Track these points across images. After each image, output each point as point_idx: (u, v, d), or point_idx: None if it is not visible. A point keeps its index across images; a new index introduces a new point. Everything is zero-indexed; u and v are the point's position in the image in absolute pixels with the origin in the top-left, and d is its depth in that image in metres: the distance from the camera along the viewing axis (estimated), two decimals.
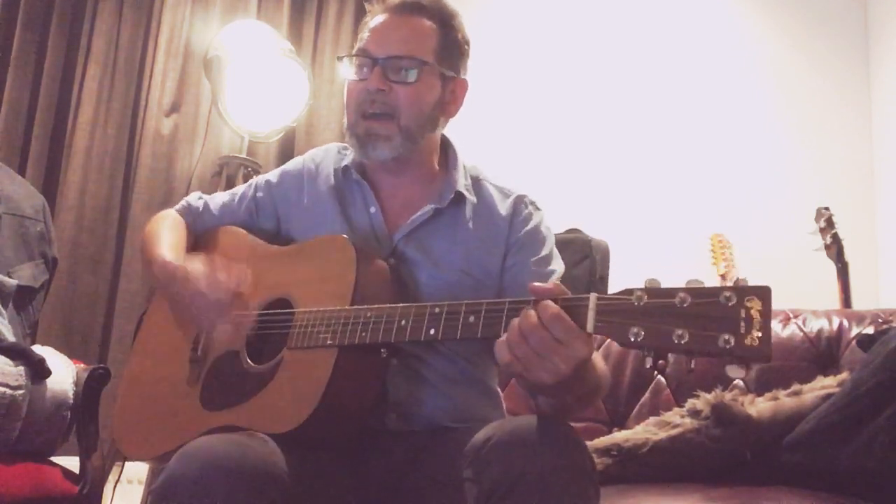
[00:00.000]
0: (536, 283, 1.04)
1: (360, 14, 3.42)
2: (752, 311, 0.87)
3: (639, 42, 3.44)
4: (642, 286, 0.95)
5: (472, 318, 1.09)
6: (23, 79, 3.09)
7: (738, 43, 3.42)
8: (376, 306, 1.20)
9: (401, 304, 1.19)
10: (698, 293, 0.91)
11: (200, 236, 1.55)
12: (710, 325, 0.89)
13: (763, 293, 0.88)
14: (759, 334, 0.86)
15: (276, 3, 3.38)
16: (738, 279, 0.91)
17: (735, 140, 3.32)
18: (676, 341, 0.90)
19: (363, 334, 1.18)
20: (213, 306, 1.29)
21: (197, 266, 1.33)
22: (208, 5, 3.33)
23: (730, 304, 0.89)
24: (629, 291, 0.95)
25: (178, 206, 1.60)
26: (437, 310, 1.13)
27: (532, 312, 1.00)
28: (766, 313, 0.87)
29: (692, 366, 0.94)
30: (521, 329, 1.00)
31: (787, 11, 3.42)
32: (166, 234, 1.48)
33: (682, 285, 0.93)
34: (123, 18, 3.25)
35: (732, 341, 0.87)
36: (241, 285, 1.32)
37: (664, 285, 0.96)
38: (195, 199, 1.60)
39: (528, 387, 1.08)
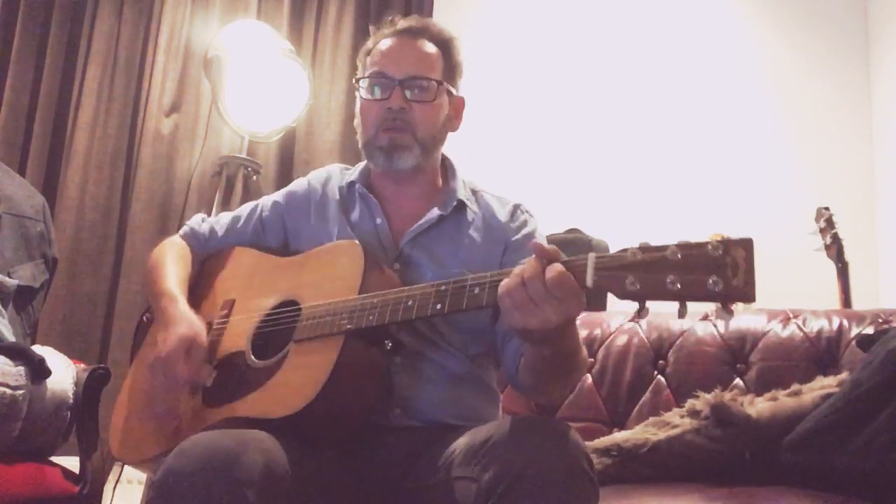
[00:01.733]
0: (537, 241, 1.11)
1: (360, 14, 3.43)
2: (738, 259, 0.95)
3: (639, 43, 3.44)
4: (636, 246, 1.03)
5: (477, 290, 1.14)
6: (23, 79, 3.10)
7: (738, 43, 3.42)
8: (382, 292, 1.24)
9: (406, 287, 1.24)
10: (688, 246, 0.99)
11: (208, 258, 1.58)
12: (700, 271, 0.97)
13: (746, 244, 0.96)
14: (745, 277, 0.94)
15: (276, 3, 3.39)
16: (723, 237, 0.97)
17: (735, 140, 3.32)
18: (670, 287, 0.98)
19: (370, 318, 1.22)
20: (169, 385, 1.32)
21: (182, 331, 1.34)
22: (208, 5, 3.33)
23: (717, 254, 0.96)
24: (624, 249, 1.02)
25: (181, 232, 1.62)
26: (442, 287, 1.18)
27: (536, 262, 1.06)
28: (750, 259, 0.95)
29: (685, 311, 1.00)
30: (524, 276, 1.05)
31: (787, 12, 3.42)
32: (172, 267, 1.51)
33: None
34: (123, 18, 3.25)
35: (720, 284, 0.95)
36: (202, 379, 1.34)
37: None
38: (198, 223, 1.62)
39: (514, 330, 1.13)
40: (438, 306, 1.17)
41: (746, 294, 0.94)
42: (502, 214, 1.50)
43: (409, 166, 1.44)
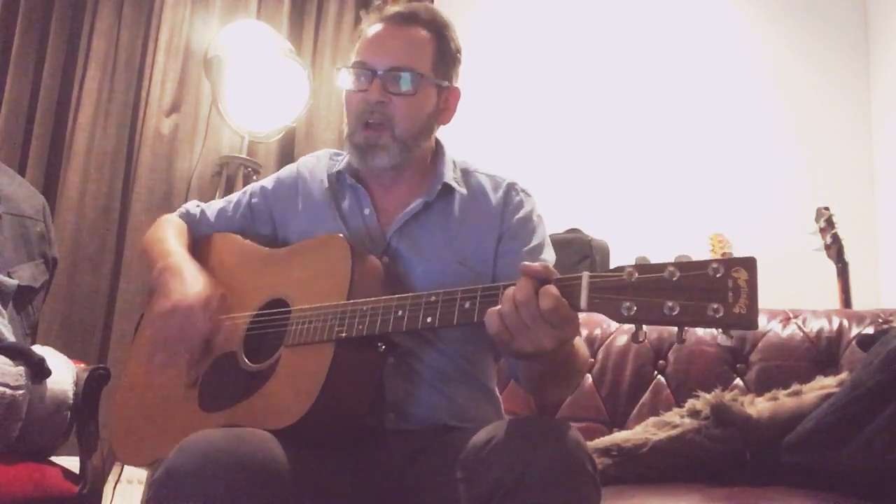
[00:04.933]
0: (527, 262, 1.06)
1: (360, 14, 3.42)
2: (739, 281, 0.91)
3: (638, 43, 3.44)
4: (633, 263, 0.98)
5: (468, 304, 1.11)
6: (23, 79, 3.09)
7: (737, 43, 3.42)
8: (372, 299, 1.21)
9: (397, 296, 1.20)
10: (687, 266, 0.94)
11: (197, 242, 1.56)
12: (700, 295, 0.92)
13: (749, 264, 0.91)
14: (747, 303, 0.90)
15: (276, 3, 3.38)
16: (724, 252, 0.93)
17: (735, 140, 3.32)
18: (668, 313, 0.93)
19: (360, 327, 1.19)
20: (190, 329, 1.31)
21: (196, 281, 1.35)
22: (208, 5, 3.33)
23: (717, 276, 0.92)
24: (620, 268, 0.98)
25: (177, 212, 1.62)
26: (433, 298, 1.14)
27: (528, 284, 1.02)
28: (753, 282, 0.91)
29: (684, 337, 0.97)
30: (517, 301, 1.02)
31: (787, 11, 3.42)
32: (172, 236, 1.51)
33: (672, 260, 0.96)
34: (123, 18, 3.25)
35: (721, 311, 0.91)
36: (221, 329, 1.33)
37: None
38: (192, 206, 1.62)
39: (507, 353, 1.11)
40: (429, 319, 1.13)
41: (748, 322, 0.90)
42: (495, 197, 1.43)
43: (384, 165, 1.39)
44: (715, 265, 0.92)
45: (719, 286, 0.91)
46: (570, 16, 3.50)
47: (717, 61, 3.40)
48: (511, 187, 1.45)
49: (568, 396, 1.95)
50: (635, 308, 0.95)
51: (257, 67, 2.89)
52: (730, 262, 0.92)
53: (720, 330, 0.94)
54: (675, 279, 0.94)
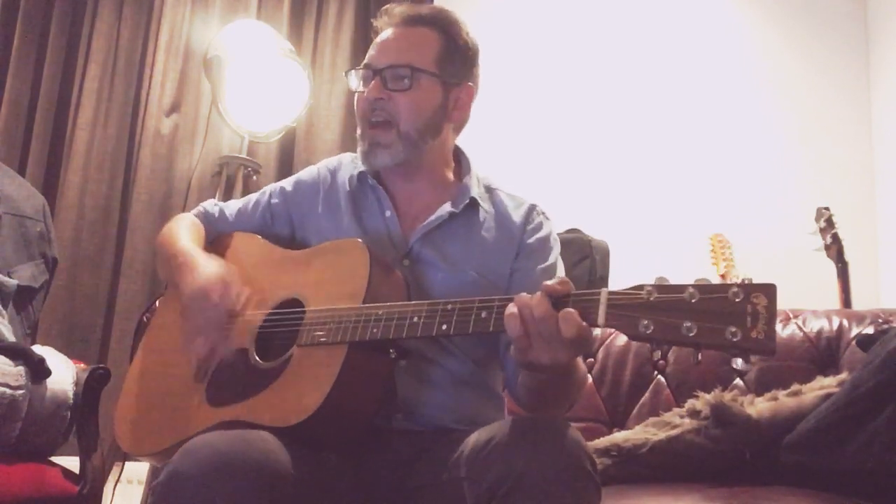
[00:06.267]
0: (548, 283, 1.07)
1: (360, 14, 3.43)
2: (759, 307, 0.91)
3: (639, 43, 3.44)
4: (652, 283, 0.99)
5: (484, 314, 1.12)
6: (23, 79, 3.09)
7: (738, 43, 3.42)
8: (388, 304, 1.21)
9: (413, 302, 1.21)
10: (707, 289, 0.95)
11: (214, 240, 1.57)
12: (718, 318, 0.92)
13: (769, 291, 0.92)
14: (765, 328, 0.90)
15: (276, 3, 3.39)
16: (744, 279, 0.94)
17: (735, 140, 3.32)
18: (685, 333, 0.94)
19: (374, 331, 1.19)
20: (211, 315, 1.31)
21: (213, 269, 1.36)
22: (208, 5, 3.33)
23: (737, 300, 0.92)
24: (639, 287, 0.99)
25: (194, 211, 1.62)
26: (449, 306, 1.15)
27: (547, 301, 1.03)
28: (772, 309, 0.91)
29: (699, 358, 0.97)
30: (536, 316, 1.03)
31: (788, 11, 3.42)
32: (186, 234, 1.51)
33: (691, 283, 0.97)
34: (123, 18, 3.25)
35: (739, 334, 0.91)
36: (243, 305, 1.34)
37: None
38: (211, 205, 1.62)
39: (520, 362, 1.12)
40: (444, 327, 1.14)
41: (766, 347, 0.90)
42: (517, 215, 1.47)
43: (387, 164, 1.42)
44: (735, 289, 0.93)
45: (738, 310, 0.92)
46: (572, 16, 3.50)
47: (717, 61, 3.40)
48: (532, 209, 1.49)
49: (561, 414, 1.94)
50: (653, 327, 0.96)
51: (257, 67, 2.89)
52: (750, 288, 0.92)
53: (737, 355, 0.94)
54: (694, 301, 0.94)
